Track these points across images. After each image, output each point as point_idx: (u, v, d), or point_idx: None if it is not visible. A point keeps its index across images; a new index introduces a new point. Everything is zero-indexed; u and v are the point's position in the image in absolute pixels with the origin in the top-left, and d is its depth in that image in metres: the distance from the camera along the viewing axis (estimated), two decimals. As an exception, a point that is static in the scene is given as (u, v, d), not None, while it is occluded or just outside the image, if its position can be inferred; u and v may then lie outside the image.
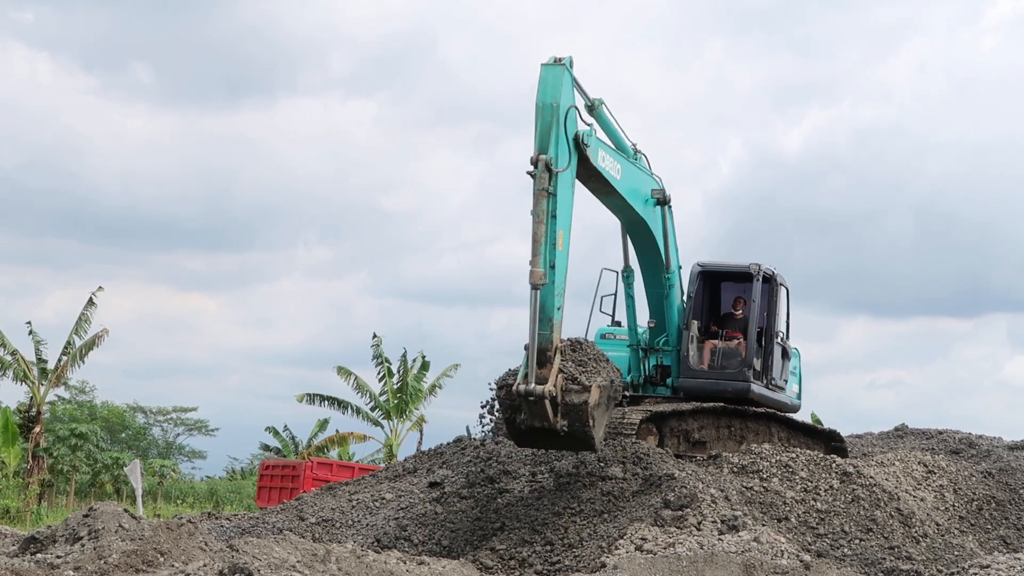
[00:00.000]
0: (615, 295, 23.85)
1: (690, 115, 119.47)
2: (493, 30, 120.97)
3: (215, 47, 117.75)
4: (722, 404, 23.29)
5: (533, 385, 17.67)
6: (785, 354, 24.71)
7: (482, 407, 25.43)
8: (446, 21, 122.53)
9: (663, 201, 22.06)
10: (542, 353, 17.89)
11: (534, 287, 17.89)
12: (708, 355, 23.71)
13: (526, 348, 18.07)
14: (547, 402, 17.75)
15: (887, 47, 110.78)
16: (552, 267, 18.03)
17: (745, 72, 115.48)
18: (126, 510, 14.98)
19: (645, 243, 22.45)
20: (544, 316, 17.96)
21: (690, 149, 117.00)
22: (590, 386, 18.03)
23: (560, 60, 18.65)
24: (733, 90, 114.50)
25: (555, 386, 17.83)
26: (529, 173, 18.04)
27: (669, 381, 23.64)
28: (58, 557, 13.54)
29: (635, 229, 22.18)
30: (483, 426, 25.59)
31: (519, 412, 18.25)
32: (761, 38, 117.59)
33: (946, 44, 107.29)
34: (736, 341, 23.64)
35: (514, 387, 17.90)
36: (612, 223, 22.09)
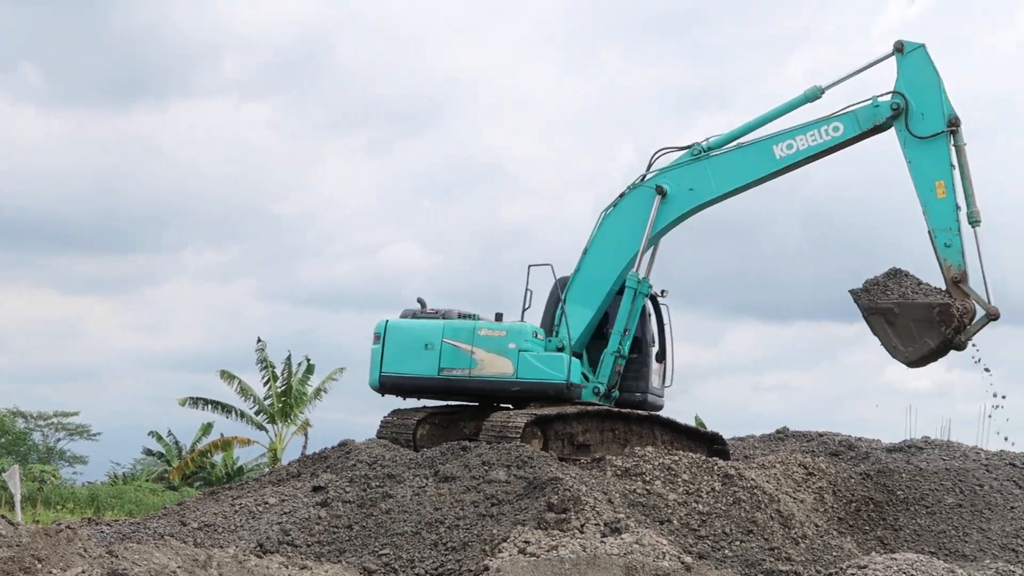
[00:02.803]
0: (530, 292, 24.14)
1: (584, 122, 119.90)
2: (391, 35, 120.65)
3: (107, 48, 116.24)
4: (607, 408, 23.56)
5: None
6: None
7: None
8: (343, 25, 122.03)
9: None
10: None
11: (977, 224, 22.23)
12: (658, 372, 25.38)
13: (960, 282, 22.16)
14: None
15: (781, 55, 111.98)
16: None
17: (640, 79, 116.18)
18: (3, 516, 14.75)
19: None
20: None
21: (584, 155, 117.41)
22: None
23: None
24: (628, 97, 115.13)
25: None
26: (946, 131, 22.41)
27: (615, 393, 24.41)
28: (-68, 564, 13.30)
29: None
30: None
31: (959, 331, 22.10)
32: (659, 45, 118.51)
33: (838, 53, 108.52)
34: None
35: (997, 312, 22.16)
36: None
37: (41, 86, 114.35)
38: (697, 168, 23.80)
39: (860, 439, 28.70)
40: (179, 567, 12.83)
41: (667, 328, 25.38)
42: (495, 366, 23.57)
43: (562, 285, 24.48)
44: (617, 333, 23.96)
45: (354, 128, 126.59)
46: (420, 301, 24.64)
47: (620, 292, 24.22)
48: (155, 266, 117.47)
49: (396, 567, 17.38)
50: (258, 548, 17.88)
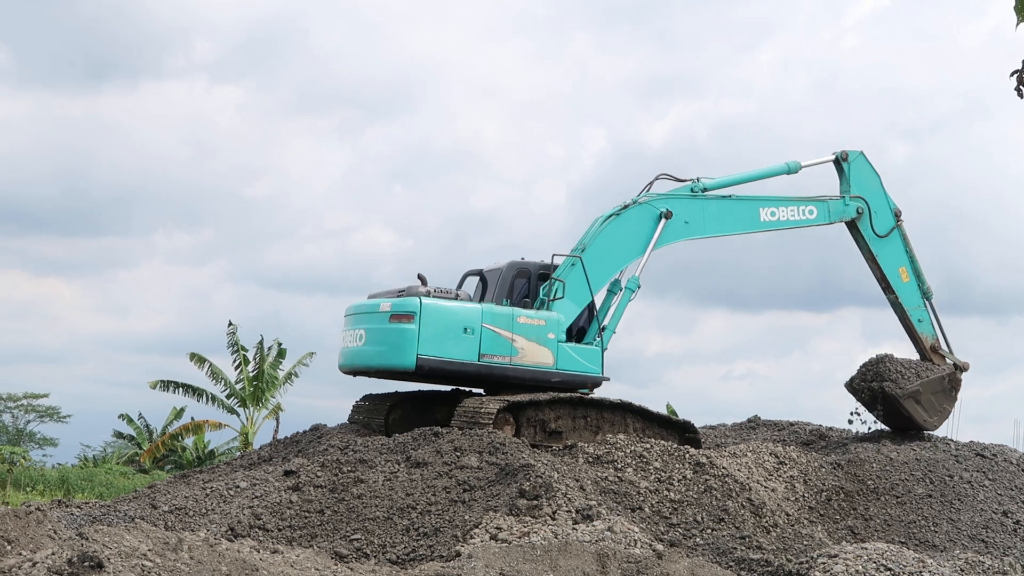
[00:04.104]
0: (561, 283, 24.28)
1: (555, 108, 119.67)
2: (362, 18, 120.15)
3: (76, 30, 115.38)
4: (579, 395, 23.57)
5: None
6: None
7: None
8: (313, 8, 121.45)
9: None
10: None
11: (931, 296, 27.91)
12: None
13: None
14: None
15: (750, 44, 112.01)
16: None
17: (611, 66, 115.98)
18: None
19: None
20: None
21: (554, 142, 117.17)
22: None
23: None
24: (599, 84, 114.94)
25: None
26: (896, 227, 27.66)
27: None
28: (-100, 545, 13.21)
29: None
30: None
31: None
32: (628, 32, 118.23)
33: (808, 42, 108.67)
34: None
35: (967, 366, 27.88)
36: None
37: (10, 67, 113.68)
38: (695, 206, 25.84)
39: (831, 428, 28.81)
40: (150, 550, 12.75)
41: None
42: (536, 356, 23.37)
43: (518, 272, 24.65)
44: (610, 330, 24.51)
45: (324, 111, 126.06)
46: (420, 277, 23.48)
47: None
48: (125, 249, 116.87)
49: (367, 552, 17.35)
50: (229, 532, 17.84)
